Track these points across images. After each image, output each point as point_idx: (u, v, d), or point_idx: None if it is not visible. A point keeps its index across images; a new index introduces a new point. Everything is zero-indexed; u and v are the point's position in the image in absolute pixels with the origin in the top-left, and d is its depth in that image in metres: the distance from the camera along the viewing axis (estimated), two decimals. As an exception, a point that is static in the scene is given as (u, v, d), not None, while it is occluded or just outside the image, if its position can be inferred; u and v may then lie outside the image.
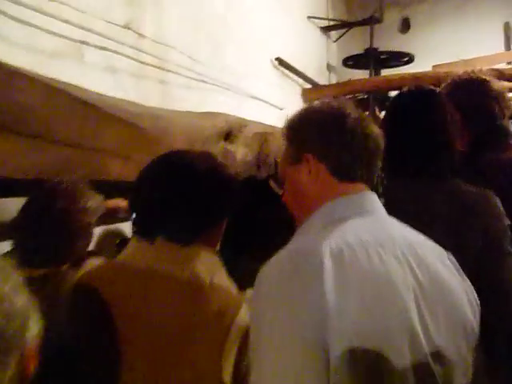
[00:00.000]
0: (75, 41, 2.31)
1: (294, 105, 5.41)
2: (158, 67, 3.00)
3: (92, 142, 1.59)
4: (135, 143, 1.82)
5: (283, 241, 0.82)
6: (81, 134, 1.52)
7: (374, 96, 6.45)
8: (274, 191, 3.87)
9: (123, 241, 2.21)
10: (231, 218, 1.12)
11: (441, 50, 6.41)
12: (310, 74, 5.54)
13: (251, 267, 0.83)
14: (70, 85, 1.59)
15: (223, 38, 3.76)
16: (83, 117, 1.53)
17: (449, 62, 5.40)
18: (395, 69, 6.52)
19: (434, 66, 5.52)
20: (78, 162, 1.54)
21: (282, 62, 4.75)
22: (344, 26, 6.63)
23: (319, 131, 0.89)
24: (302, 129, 0.94)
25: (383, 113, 5.56)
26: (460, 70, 1.76)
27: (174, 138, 2.14)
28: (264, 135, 3.53)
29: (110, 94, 2.17)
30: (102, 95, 1.75)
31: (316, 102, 0.97)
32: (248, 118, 3.28)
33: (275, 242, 0.84)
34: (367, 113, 6.30)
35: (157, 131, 1.97)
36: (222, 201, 1.06)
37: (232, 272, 1.05)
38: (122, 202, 1.66)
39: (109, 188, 1.52)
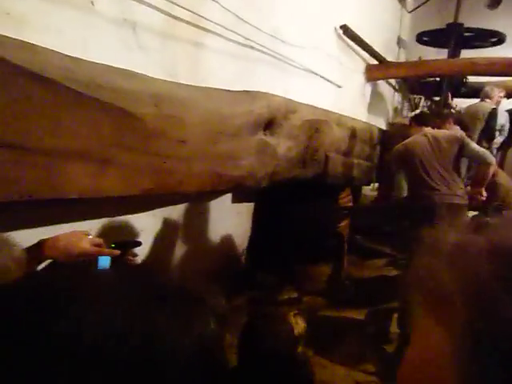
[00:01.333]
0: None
1: (355, 83, 4.59)
2: (192, 24, 2.32)
3: (44, 140, 0.99)
4: (122, 139, 1.20)
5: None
6: (21, 128, 0.92)
7: (449, 80, 5.50)
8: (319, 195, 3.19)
9: (118, 244, 1.63)
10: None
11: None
12: (376, 48, 4.65)
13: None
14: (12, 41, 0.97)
15: (278, -6, 3.01)
16: (27, 99, 0.92)
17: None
18: (477, 50, 5.48)
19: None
20: (15, 171, 0.94)
21: (347, 31, 3.91)
22: (424, -6, 5.59)
23: None
24: None
25: (456, 100, 4.62)
26: None
27: (187, 130, 1.51)
28: (316, 124, 2.84)
29: (124, 56, 1.55)
30: (77, 60, 1.12)
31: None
32: (298, 99, 2.56)
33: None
34: (438, 98, 5.38)
35: (160, 121, 1.35)
36: None
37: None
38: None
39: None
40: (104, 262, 0.97)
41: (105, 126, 1.14)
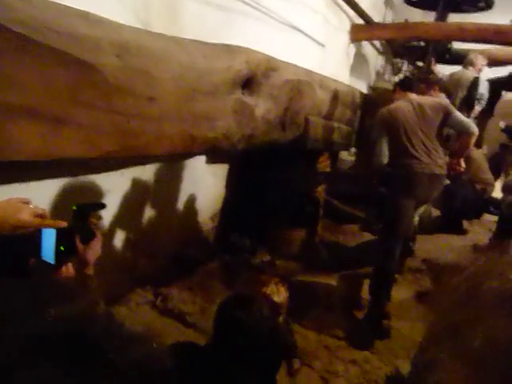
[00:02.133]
0: None
1: (339, 43, 4.40)
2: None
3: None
4: (79, 95, 1.05)
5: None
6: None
7: (435, 46, 5.36)
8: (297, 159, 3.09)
9: (80, 207, 1.50)
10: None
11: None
12: (363, 6, 4.43)
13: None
14: None
15: None
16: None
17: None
18: (464, 16, 5.33)
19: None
20: None
21: (333, -15, 3.69)
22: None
23: None
24: None
25: (439, 66, 4.51)
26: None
27: (157, 86, 1.35)
28: (298, 85, 2.68)
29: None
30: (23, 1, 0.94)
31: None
32: (280, 57, 2.39)
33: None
34: (421, 64, 5.27)
35: (124, 75, 1.19)
36: None
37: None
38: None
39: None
40: (48, 236, 0.83)
41: (58, 78, 0.99)
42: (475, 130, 2.66)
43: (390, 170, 2.79)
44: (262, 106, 2.18)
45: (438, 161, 2.66)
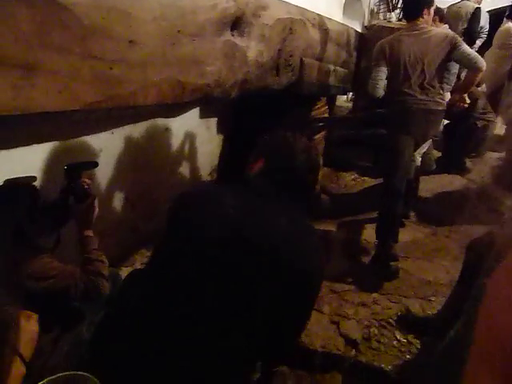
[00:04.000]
0: None
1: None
2: None
3: None
4: (49, 38, 0.94)
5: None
6: None
7: None
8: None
9: (71, 167, 1.45)
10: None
11: None
12: None
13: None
14: None
15: None
16: None
17: None
18: None
19: None
20: None
21: None
22: None
23: None
24: None
25: None
26: None
27: (138, 28, 1.23)
28: (290, 24, 2.50)
29: None
30: None
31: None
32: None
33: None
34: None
35: (98, 15, 1.07)
36: None
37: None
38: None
39: None
40: None
41: (22, 19, 0.87)
42: (483, 64, 2.48)
43: (383, 110, 2.67)
44: (253, 48, 2.03)
45: (435, 97, 2.53)
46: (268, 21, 2.11)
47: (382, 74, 2.55)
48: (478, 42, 4.75)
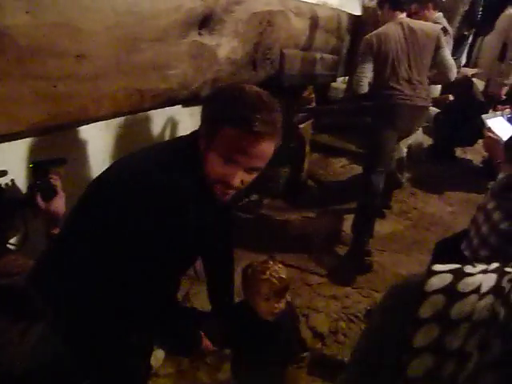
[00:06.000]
0: None
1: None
2: None
3: None
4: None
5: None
6: None
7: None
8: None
9: (37, 165, 1.48)
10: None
11: None
12: None
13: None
14: None
15: None
16: None
17: None
18: None
19: None
20: None
21: None
22: None
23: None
24: None
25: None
26: None
27: (87, 40, 1.21)
28: (268, 16, 2.43)
29: None
30: None
31: None
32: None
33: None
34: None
35: (39, 33, 1.06)
36: None
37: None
38: None
39: None
40: None
41: None
42: (453, 77, 2.51)
43: (369, 103, 2.65)
44: (226, 46, 2.00)
45: (422, 93, 2.50)
46: (242, 16, 2.06)
47: (367, 70, 2.52)
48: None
